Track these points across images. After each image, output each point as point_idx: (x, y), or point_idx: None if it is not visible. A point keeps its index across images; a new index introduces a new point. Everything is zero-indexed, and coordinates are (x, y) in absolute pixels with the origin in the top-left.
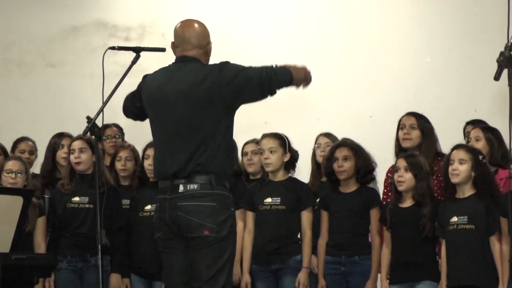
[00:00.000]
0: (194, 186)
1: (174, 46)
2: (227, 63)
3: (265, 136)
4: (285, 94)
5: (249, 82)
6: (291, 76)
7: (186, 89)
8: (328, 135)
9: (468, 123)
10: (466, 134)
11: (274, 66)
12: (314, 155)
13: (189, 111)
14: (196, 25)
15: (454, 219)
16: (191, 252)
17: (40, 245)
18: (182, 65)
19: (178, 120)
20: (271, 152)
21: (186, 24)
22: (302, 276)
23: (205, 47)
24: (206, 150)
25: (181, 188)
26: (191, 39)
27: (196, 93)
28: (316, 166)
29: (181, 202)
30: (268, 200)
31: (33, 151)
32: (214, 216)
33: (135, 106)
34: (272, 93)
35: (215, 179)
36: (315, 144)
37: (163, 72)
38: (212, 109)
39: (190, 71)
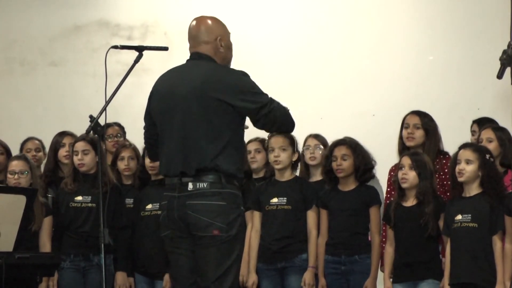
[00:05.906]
0: (203, 185)
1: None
2: (245, 76)
3: (275, 134)
4: (287, 92)
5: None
6: (288, 114)
7: (198, 87)
8: (316, 136)
9: (474, 122)
10: (472, 133)
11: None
12: (303, 156)
13: (200, 109)
14: (206, 20)
15: (459, 217)
16: (199, 251)
17: (45, 244)
18: (195, 62)
19: (189, 118)
20: (282, 150)
21: (197, 19)
22: (307, 276)
23: (213, 42)
24: (216, 149)
25: (190, 186)
26: (199, 35)
27: (208, 92)
28: (305, 167)
29: (190, 201)
30: (275, 200)
31: (40, 149)
32: (224, 215)
33: (156, 133)
34: (265, 125)
35: (225, 177)
36: (304, 146)
37: (176, 69)
38: (222, 109)
39: (203, 69)
